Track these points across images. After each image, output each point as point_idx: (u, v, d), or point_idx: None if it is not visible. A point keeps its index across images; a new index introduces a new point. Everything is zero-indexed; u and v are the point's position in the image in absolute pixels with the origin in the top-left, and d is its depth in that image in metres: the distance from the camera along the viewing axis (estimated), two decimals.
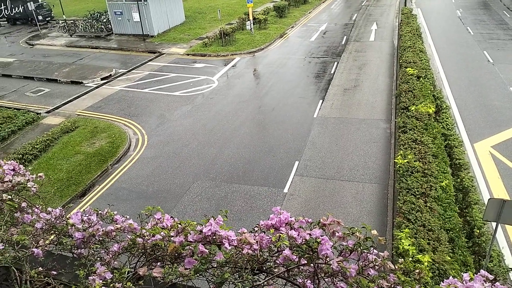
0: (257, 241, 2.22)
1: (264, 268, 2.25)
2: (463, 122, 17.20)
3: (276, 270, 2.23)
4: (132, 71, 26.70)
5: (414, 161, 11.64)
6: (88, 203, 13.78)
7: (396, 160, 12.19)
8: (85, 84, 24.55)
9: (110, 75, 25.77)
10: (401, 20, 28.82)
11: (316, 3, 43.42)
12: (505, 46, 26.41)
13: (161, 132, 18.21)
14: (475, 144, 15.58)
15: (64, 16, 39.21)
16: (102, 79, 25.20)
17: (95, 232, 2.67)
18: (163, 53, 29.81)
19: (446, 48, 26.68)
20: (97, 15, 37.86)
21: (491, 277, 2.01)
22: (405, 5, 36.49)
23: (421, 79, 17.38)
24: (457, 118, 17.53)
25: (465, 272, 2.10)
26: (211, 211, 12.93)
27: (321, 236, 2.15)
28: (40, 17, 39.82)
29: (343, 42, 29.67)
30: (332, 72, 23.99)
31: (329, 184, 13.75)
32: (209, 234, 2.28)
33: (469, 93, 19.83)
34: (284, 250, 2.17)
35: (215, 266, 2.18)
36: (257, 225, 2.43)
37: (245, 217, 12.51)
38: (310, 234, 2.17)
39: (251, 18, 32.42)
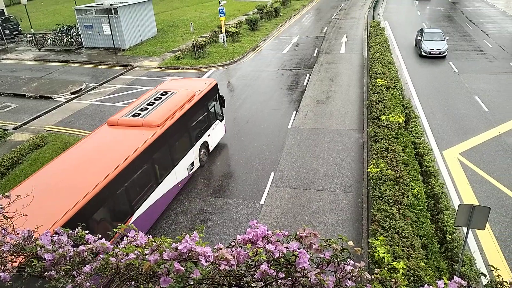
0: (234, 257, 2.20)
1: (242, 284, 2.23)
2: (432, 131, 17.74)
3: (254, 285, 2.22)
4: (104, 85, 26.26)
5: (386, 169, 11.88)
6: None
7: (369, 169, 12.42)
8: (55, 99, 23.94)
9: (81, 89, 25.25)
10: (369, 33, 29.67)
11: (287, 17, 44.16)
12: (468, 56, 27.57)
13: None
14: (444, 152, 16.08)
15: (32, 30, 38.32)
16: (72, 93, 24.65)
17: (65, 253, 2.58)
18: (135, 67, 29.50)
19: (413, 59, 27.60)
20: (66, 28, 37.16)
21: (464, 283, 2.06)
22: (373, 18, 37.66)
23: (390, 89, 17.87)
24: (426, 126, 18.08)
25: (439, 278, 2.14)
26: (187, 226, 12.75)
27: (298, 249, 2.15)
28: (6, 31, 38.70)
29: (314, 54, 30.22)
30: (305, 83, 24.35)
31: (304, 194, 13.84)
32: (185, 251, 2.24)
33: (436, 103, 20.52)
34: (261, 264, 2.16)
35: (191, 283, 2.14)
36: (234, 240, 2.41)
37: (222, 230, 12.40)
38: (287, 248, 2.17)
39: (223, 31, 32.61)
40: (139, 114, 13.38)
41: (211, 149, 16.56)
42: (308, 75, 25.80)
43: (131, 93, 24.20)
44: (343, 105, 20.98)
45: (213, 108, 16.54)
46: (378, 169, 11.95)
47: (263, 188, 14.31)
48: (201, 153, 15.68)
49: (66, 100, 23.72)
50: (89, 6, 34.39)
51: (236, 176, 15.28)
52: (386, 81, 18.59)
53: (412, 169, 12.32)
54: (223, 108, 17.32)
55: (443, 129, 17.82)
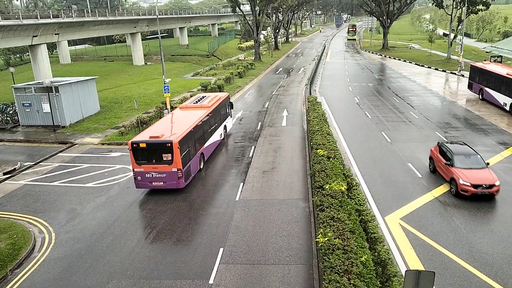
0: None
1: None
2: (373, 197, 18.47)
3: None
4: (40, 163, 24.99)
5: (334, 238, 11.98)
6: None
7: (317, 239, 12.45)
8: None
9: (15, 169, 23.79)
10: (308, 107, 31.50)
11: (231, 93, 45.96)
12: (398, 127, 29.90)
13: (71, 228, 16.74)
14: (386, 217, 16.65)
15: None
16: (4, 173, 23.12)
17: None
18: (76, 144, 28.60)
19: (349, 131, 29.42)
20: (2, 107, 35.78)
21: None
22: (310, 94, 40.26)
23: (331, 159, 18.66)
24: (367, 194, 18.82)
25: None
26: None
27: None
28: None
29: (258, 128, 31.29)
30: (250, 155, 24.83)
31: (255, 270, 13.42)
32: None
33: (374, 170, 21.64)
34: None
35: None
36: None
37: None
38: None
39: (168, 107, 33.06)
40: (196, 103, 25.99)
41: (228, 130, 29.66)
42: (253, 147, 26.43)
43: (71, 171, 23.16)
44: (288, 175, 21.45)
45: (228, 108, 29.47)
46: (326, 239, 12.02)
47: (211, 266, 13.72)
48: (224, 131, 28.20)
49: None
50: (29, 84, 33.76)
51: (183, 253, 14.60)
52: (326, 152, 19.46)
53: (358, 237, 12.53)
54: (231, 109, 30.71)
55: (383, 196, 18.63)
